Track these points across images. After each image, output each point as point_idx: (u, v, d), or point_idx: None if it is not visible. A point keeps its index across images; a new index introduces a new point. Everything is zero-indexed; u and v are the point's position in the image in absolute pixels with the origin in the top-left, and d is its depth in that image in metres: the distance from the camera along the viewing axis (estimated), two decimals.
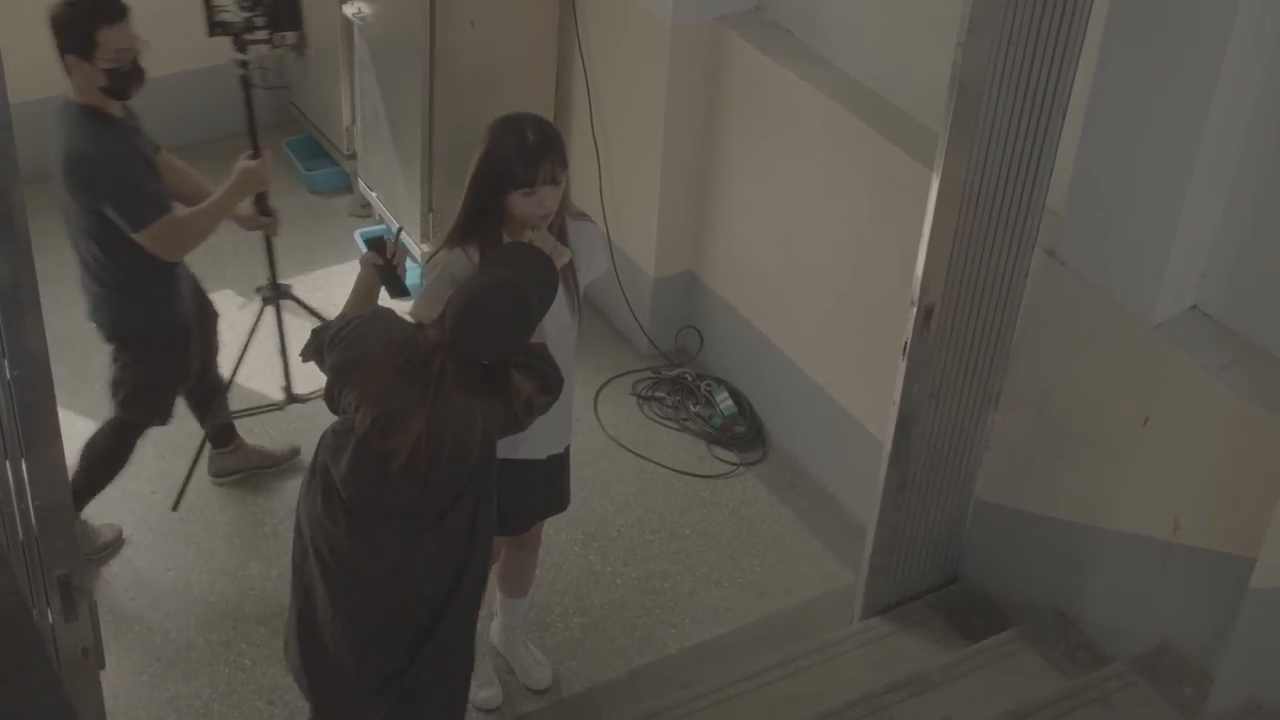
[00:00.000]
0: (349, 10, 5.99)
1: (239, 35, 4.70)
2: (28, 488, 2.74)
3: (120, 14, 4.25)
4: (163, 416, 4.88)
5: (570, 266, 3.94)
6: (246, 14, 4.72)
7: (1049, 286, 4.16)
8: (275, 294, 5.30)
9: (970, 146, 3.77)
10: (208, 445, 5.20)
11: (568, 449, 4.25)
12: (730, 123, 5.37)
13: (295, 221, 6.50)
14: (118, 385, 4.76)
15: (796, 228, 5.18)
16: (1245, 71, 3.59)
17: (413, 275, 6.00)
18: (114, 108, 4.38)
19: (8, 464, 2.71)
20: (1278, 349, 3.85)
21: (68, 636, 2.93)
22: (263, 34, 4.72)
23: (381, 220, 6.32)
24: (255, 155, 4.81)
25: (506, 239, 3.82)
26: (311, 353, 3.68)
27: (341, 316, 3.72)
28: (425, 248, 5.90)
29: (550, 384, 3.60)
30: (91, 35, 4.19)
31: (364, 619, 3.75)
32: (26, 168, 2.48)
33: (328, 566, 3.72)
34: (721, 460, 5.47)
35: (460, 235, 3.83)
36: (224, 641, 4.67)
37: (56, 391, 2.75)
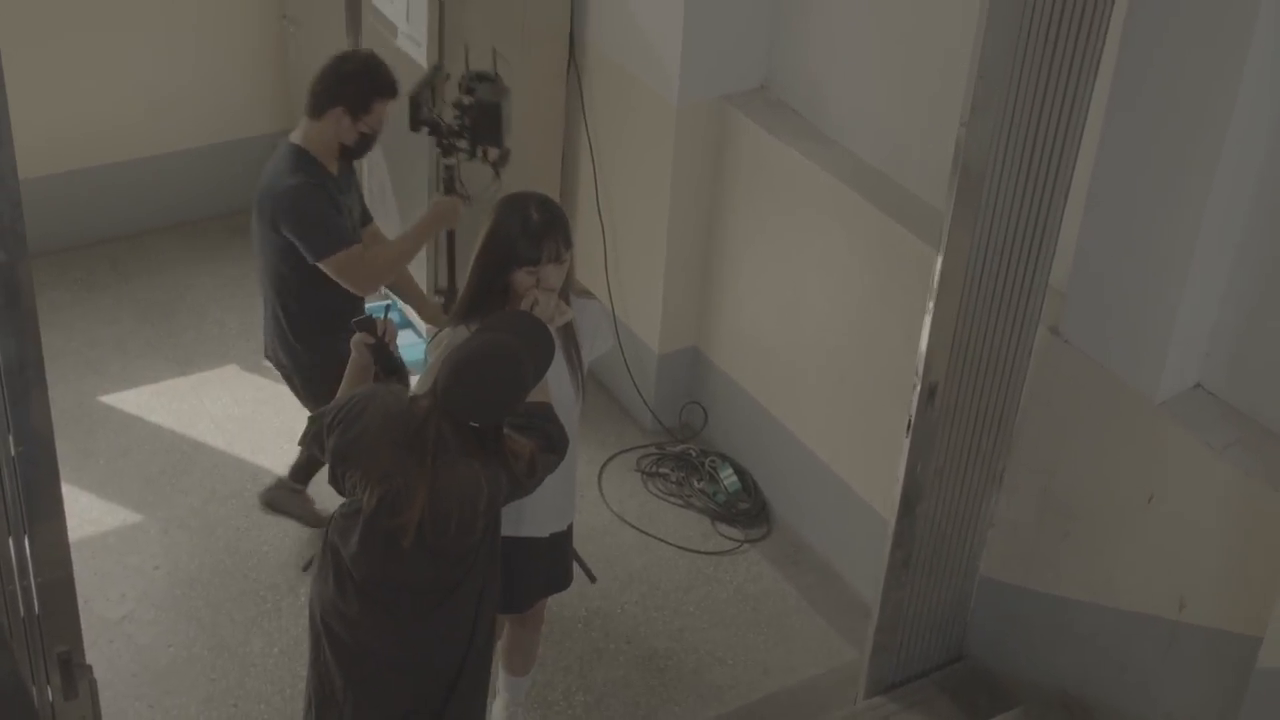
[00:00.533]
0: None
1: (442, 137, 4.82)
2: (30, 564, 2.74)
3: (396, 93, 4.69)
4: None
5: (574, 343, 3.96)
6: (456, 119, 4.83)
7: (1052, 364, 4.16)
8: None
9: (974, 225, 3.79)
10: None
11: (570, 527, 4.24)
12: (735, 200, 5.40)
13: None
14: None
15: (801, 304, 5.19)
16: (1247, 153, 3.62)
17: (419, 353, 6.04)
18: (333, 164, 4.65)
19: (10, 540, 2.71)
20: None
21: (68, 714, 2.91)
22: (463, 143, 4.83)
23: (387, 297, 6.34)
24: (449, 192, 4.93)
25: None
26: (310, 439, 3.67)
27: (337, 399, 3.72)
28: (430, 328, 5.91)
29: (555, 444, 3.59)
30: (369, 101, 4.58)
31: (379, 699, 3.73)
32: (44, 243, 2.51)
33: (342, 648, 3.71)
34: (726, 537, 5.46)
35: (465, 312, 3.85)
36: (225, 718, 4.64)
37: (60, 467, 2.75)
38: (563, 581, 4.35)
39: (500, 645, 4.45)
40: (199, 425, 5.79)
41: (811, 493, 5.37)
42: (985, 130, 3.67)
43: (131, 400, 5.90)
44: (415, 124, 4.68)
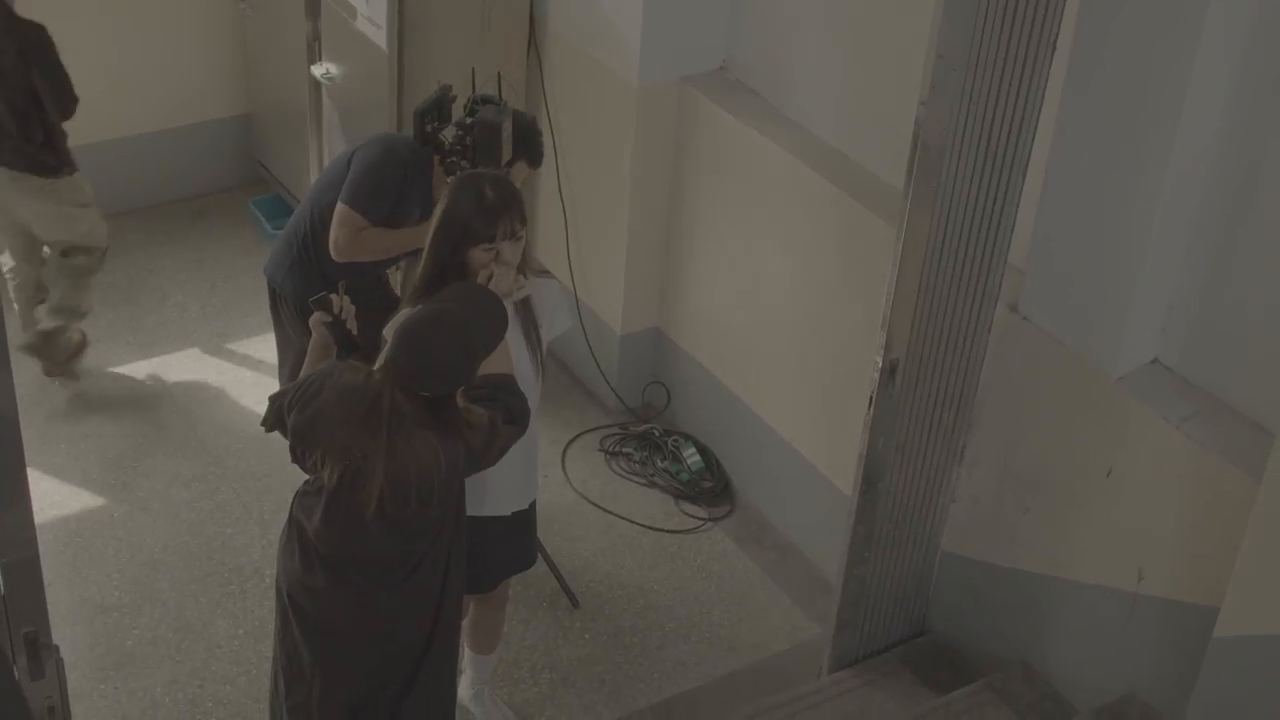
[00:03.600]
0: (317, 71, 6.03)
1: (444, 155, 4.63)
2: None
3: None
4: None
5: (533, 322, 3.98)
6: (457, 139, 4.62)
7: (1012, 341, 4.21)
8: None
9: (933, 203, 3.82)
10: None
11: (534, 505, 4.26)
12: (696, 180, 5.42)
13: (262, 280, 6.50)
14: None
15: (762, 284, 5.22)
16: (1202, 130, 3.66)
17: None
18: (438, 174, 4.61)
19: None
20: (1238, 401, 3.90)
21: (34, 694, 2.91)
22: (465, 162, 4.60)
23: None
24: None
25: None
26: (273, 420, 3.68)
27: (298, 378, 3.74)
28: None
29: (516, 415, 3.60)
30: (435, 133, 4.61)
31: (347, 673, 3.75)
32: None
33: (309, 622, 3.72)
34: (689, 515, 5.49)
35: (422, 292, 3.87)
36: (190, 700, 4.65)
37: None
38: (526, 561, 4.37)
39: (465, 624, 4.47)
40: (161, 409, 5.78)
41: (774, 470, 5.40)
42: (944, 109, 3.70)
43: (93, 384, 5.87)
44: (419, 138, 4.58)
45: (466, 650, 4.52)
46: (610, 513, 5.46)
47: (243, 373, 6.00)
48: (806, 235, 4.96)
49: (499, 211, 3.76)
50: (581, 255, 5.84)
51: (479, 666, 4.56)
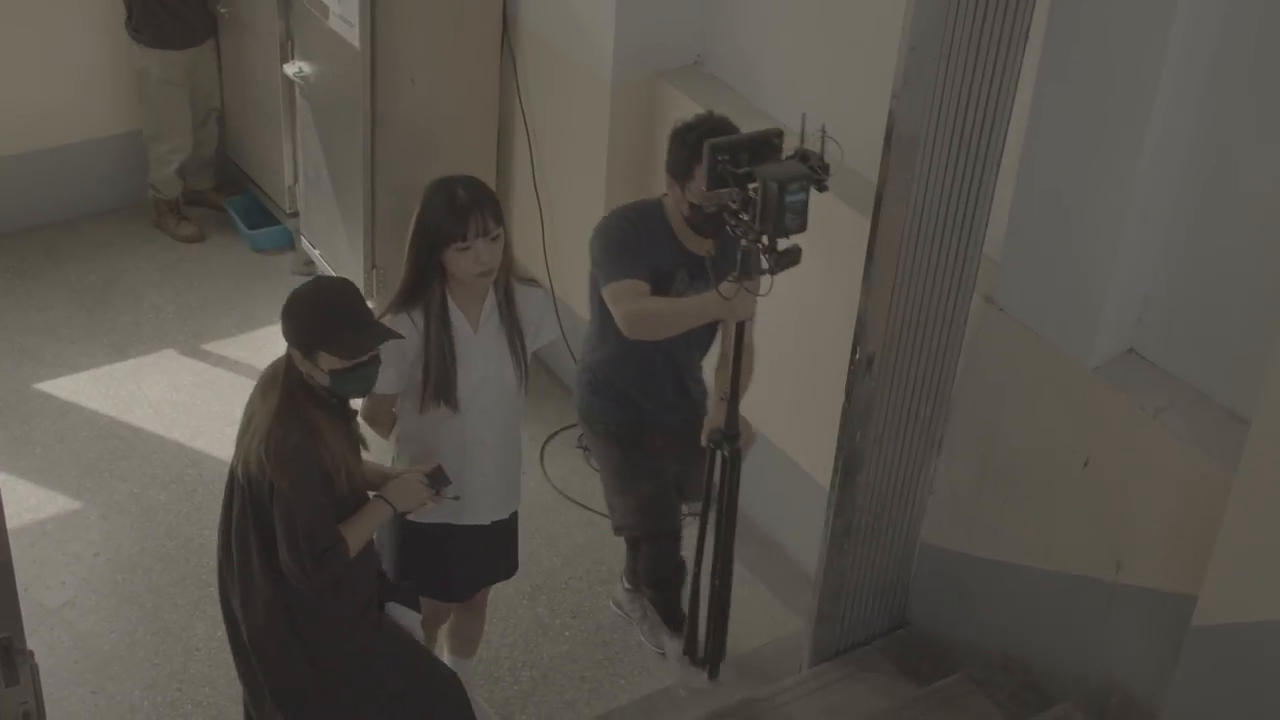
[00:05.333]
0: (290, 70, 6.01)
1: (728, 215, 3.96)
2: None
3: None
4: (652, 523, 4.68)
5: (519, 331, 3.97)
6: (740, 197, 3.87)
7: (987, 333, 4.21)
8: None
9: (907, 196, 3.82)
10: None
11: (514, 516, 4.25)
12: None
13: (238, 280, 6.51)
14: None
15: None
16: (1176, 120, 3.66)
17: None
18: (689, 238, 4.29)
19: None
20: (1214, 390, 3.91)
21: (9, 700, 2.89)
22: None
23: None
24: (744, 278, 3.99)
25: (450, 300, 3.84)
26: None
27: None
28: (370, 304, 5.88)
29: (294, 554, 3.57)
30: (690, 167, 4.13)
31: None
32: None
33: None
34: None
35: (404, 300, 3.86)
36: (169, 703, 4.63)
37: None
38: (506, 570, 4.36)
39: (444, 629, 4.47)
40: (137, 411, 5.76)
41: (752, 465, 5.37)
42: (917, 102, 3.70)
43: (68, 387, 5.85)
44: (711, 179, 3.86)
45: (447, 654, 4.51)
46: (589, 509, 5.45)
47: (219, 373, 5.98)
48: None
49: (470, 209, 3.74)
50: (557, 252, 5.83)
51: (460, 669, 4.54)
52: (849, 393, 4.11)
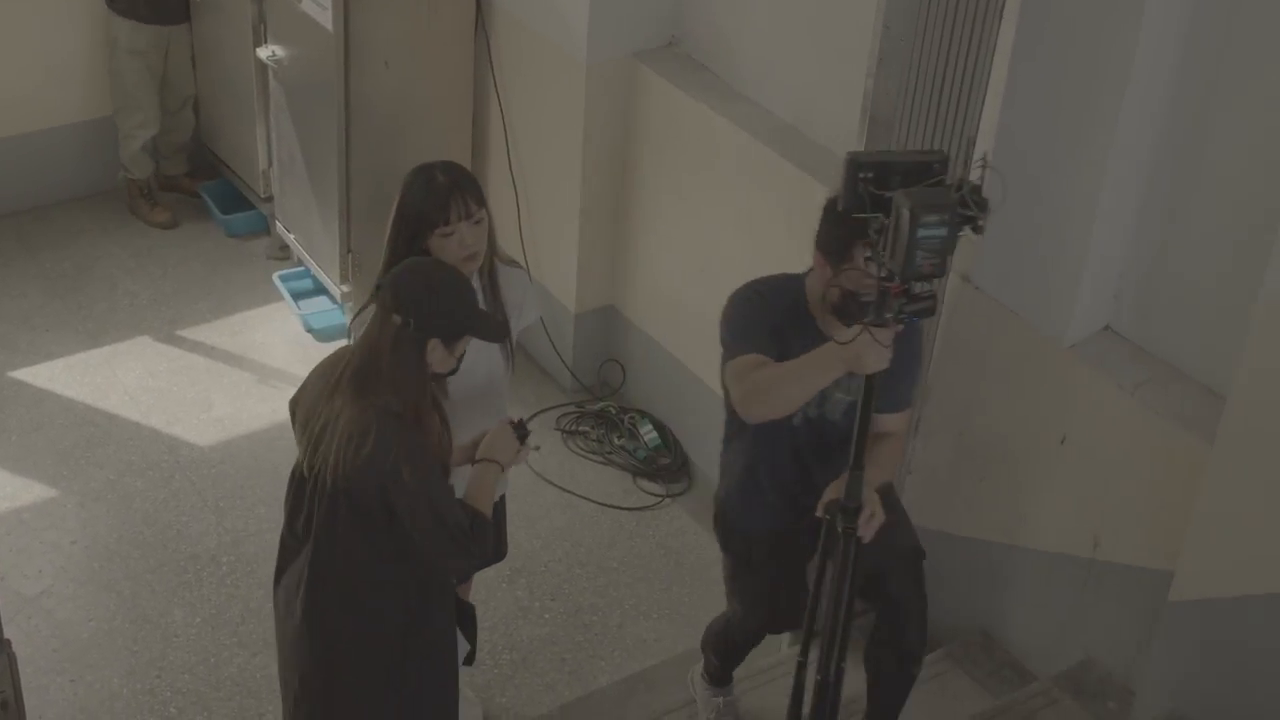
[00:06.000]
0: (263, 54, 5.97)
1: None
2: None
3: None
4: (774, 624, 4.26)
5: (503, 314, 3.95)
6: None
7: (965, 311, 4.21)
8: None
9: None
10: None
11: (504, 499, 4.24)
12: (647, 157, 5.41)
13: (213, 266, 6.48)
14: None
15: (715, 259, 5.21)
16: (1150, 98, 3.67)
17: (334, 318, 6.02)
18: (833, 327, 3.54)
19: None
20: (1189, 366, 3.92)
21: None
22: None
23: (300, 262, 6.30)
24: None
25: None
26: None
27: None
28: (345, 288, 5.89)
29: (453, 539, 3.41)
30: (849, 246, 3.45)
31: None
32: None
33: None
34: (647, 492, 5.49)
35: None
36: (148, 690, 4.62)
37: None
38: (497, 554, 4.35)
39: None
40: (112, 398, 5.73)
41: None
42: (891, 81, 3.70)
43: (43, 374, 5.82)
44: (848, 199, 3.19)
45: None
46: (568, 491, 5.45)
47: (194, 359, 5.96)
48: (759, 210, 4.95)
49: (450, 193, 3.71)
50: (534, 235, 5.82)
51: None
52: None
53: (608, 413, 5.74)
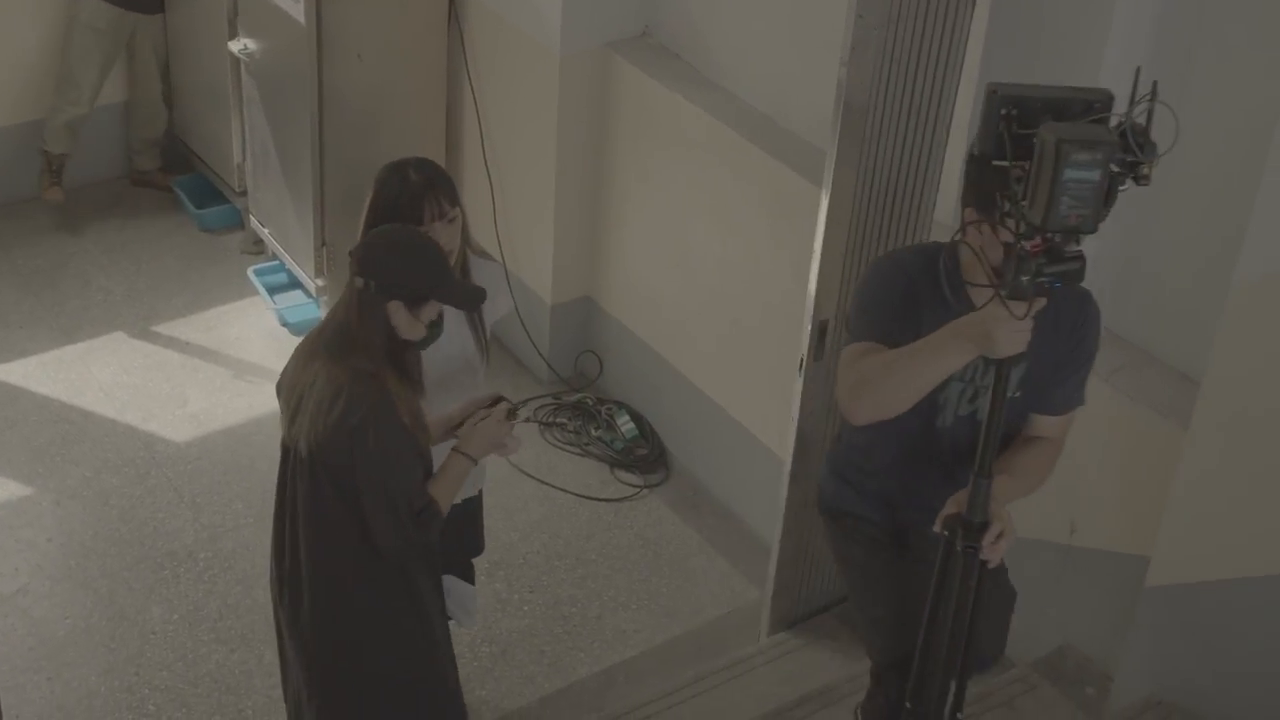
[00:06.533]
0: (235, 47, 5.95)
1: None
2: None
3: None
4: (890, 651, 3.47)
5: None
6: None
7: None
8: None
9: (858, 162, 3.82)
10: None
11: (481, 493, 4.24)
12: (622, 147, 5.40)
13: (187, 261, 6.45)
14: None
15: (691, 250, 5.21)
16: (1123, 81, 3.67)
17: (309, 312, 6.00)
18: (984, 294, 2.90)
19: None
20: (1164, 353, 3.93)
21: None
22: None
23: (275, 256, 6.28)
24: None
25: None
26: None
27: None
28: (320, 282, 5.87)
29: (392, 519, 3.38)
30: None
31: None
32: None
33: None
34: (625, 483, 5.48)
35: None
36: (126, 688, 4.60)
37: None
38: (476, 548, 4.35)
39: None
40: (88, 394, 5.71)
41: (708, 436, 5.40)
42: (865, 69, 3.70)
43: (17, 371, 5.79)
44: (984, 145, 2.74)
45: None
46: (546, 483, 5.44)
47: (169, 355, 5.94)
48: (734, 199, 4.95)
49: (424, 193, 3.70)
50: (509, 226, 5.81)
51: None
52: (803, 362, 4.11)
53: (585, 404, 5.74)
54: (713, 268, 5.14)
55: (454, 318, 3.88)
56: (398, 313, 3.32)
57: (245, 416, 5.60)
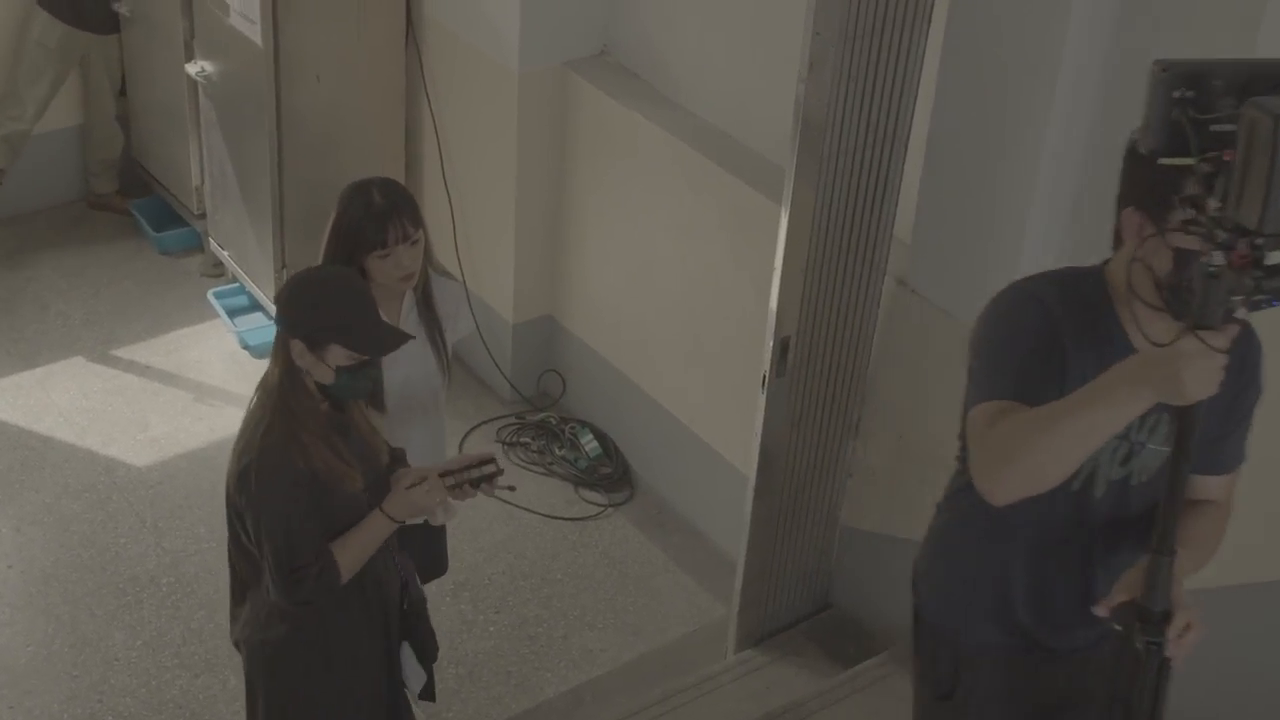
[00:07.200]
0: (193, 69, 5.93)
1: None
2: None
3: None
4: None
5: (438, 325, 3.93)
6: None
7: (901, 314, 4.23)
8: None
9: (817, 179, 3.84)
10: None
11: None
12: (581, 166, 5.41)
13: (146, 284, 6.42)
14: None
15: (652, 267, 5.22)
16: (1081, 99, 3.70)
17: (270, 334, 5.97)
18: (1157, 326, 2.39)
19: None
20: None
21: None
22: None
23: (235, 279, 6.26)
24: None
25: None
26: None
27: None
28: None
29: (269, 570, 3.29)
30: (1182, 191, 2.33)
31: None
32: None
33: None
34: (589, 502, 5.48)
35: None
36: (89, 715, 4.56)
37: None
38: (439, 568, 4.34)
39: None
40: (47, 419, 5.66)
41: (672, 454, 5.40)
42: (823, 85, 3.71)
43: None
44: (1156, 132, 2.27)
45: None
46: (510, 503, 5.43)
47: (129, 379, 5.90)
48: (694, 217, 4.96)
49: (389, 216, 3.69)
50: (470, 246, 5.81)
51: None
52: (765, 379, 4.12)
53: (548, 423, 5.73)
54: (674, 285, 5.15)
55: (415, 339, 3.87)
56: (302, 355, 3.23)
57: (206, 440, 5.57)
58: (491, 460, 3.52)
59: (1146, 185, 2.38)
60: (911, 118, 3.91)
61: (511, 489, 3.63)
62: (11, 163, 6.43)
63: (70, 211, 6.78)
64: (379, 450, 3.50)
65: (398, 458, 3.59)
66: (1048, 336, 2.50)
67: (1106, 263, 2.55)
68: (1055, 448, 2.31)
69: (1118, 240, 2.49)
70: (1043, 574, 2.68)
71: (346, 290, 3.33)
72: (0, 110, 6.36)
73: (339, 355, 3.23)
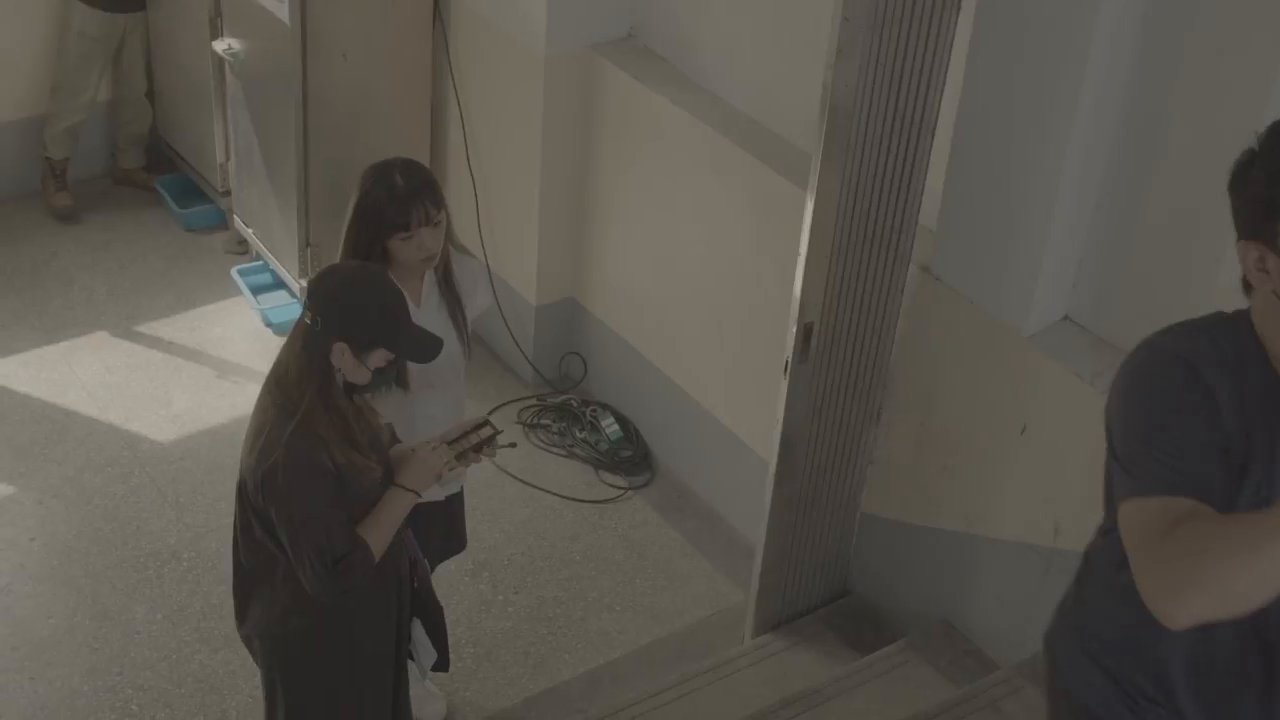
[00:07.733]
0: (220, 46, 5.94)
1: None
2: None
3: None
4: None
5: (458, 302, 3.95)
6: None
7: (924, 302, 4.23)
8: None
9: (843, 166, 3.83)
10: None
11: (462, 492, 4.24)
12: (607, 149, 5.40)
13: (170, 261, 6.44)
14: None
15: (676, 251, 5.22)
16: (1108, 87, 3.69)
17: (293, 312, 5.99)
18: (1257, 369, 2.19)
19: None
20: None
21: None
22: None
23: (259, 257, 6.27)
24: None
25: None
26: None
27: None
28: (304, 282, 5.85)
29: (309, 568, 3.31)
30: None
31: None
32: None
33: None
34: (609, 485, 5.48)
35: None
36: (110, 688, 4.59)
37: None
38: (459, 544, 4.36)
39: None
40: (70, 393, 5.69)
41: (693, 438, 5.41)
42: (851, 72, 3.70)
43: None
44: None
45: None
46: (530, 485, 5.44)
47: (153, 354, 5.92)
48: (719, 202, 4.95)
49: (412, 198, 3.69)
50: (493, 228, 5.81)
51: None
52: (787, 364, 4.12)
53: (569, 406, 5.73)
54: (698, 270, 5.15)
55: (438, 316, 3.88)
56: (343, 355, 3.23)
57: (229, 417, 5.59)
58: (487, 423, 3.57)
59: (1252, 207, 2.09)
60: (939, 106, 3.90)
61: (512, 445, 3.67)
62: (72, 151, 6.56)
63: (96, 186, 6.81)
64: (382, 434, 3.53)
65: (392, 435, 3.62)
66: (1208, 407, 2.09)
67: (1250, 308, 2.17)
68: (1265, 572, 1.83)
69: (1247, 287, 2.17)
70: (1222, 695, 2.29)
71: (392, 294, 3.33)
72: (57, 103, 6.44)
73: (380, 358, 3.25)
